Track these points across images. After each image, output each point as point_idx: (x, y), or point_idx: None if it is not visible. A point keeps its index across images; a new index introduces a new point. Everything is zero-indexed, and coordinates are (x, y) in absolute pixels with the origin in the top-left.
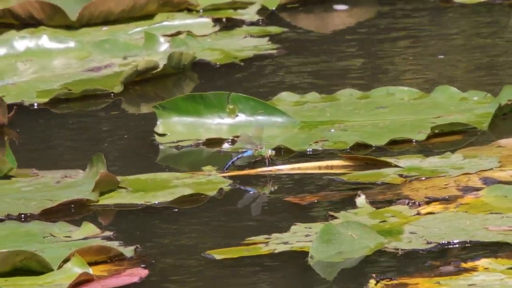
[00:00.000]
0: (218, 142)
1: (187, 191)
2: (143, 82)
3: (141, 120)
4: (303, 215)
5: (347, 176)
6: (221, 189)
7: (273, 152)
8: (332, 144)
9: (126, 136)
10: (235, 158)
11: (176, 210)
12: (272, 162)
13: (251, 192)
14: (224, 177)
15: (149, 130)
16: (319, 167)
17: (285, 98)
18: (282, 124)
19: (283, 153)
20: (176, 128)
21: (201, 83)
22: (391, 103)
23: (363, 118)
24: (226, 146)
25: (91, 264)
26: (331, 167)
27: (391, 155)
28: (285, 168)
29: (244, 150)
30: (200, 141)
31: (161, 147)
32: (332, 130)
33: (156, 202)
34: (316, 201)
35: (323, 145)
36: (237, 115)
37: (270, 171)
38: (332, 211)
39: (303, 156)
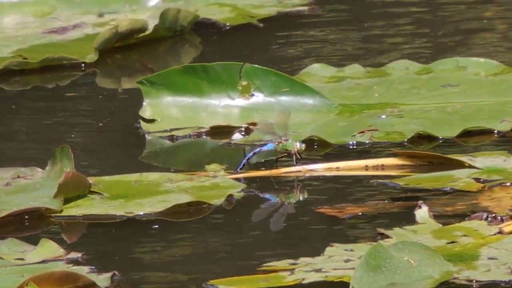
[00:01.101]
0: (227, 131)
1: (184, 199)
2: (126, 48)
3: (122, 101)
4: (342, 233)
5: (404, 179)
6: (231, 196)
7: (303, 145)
8: (384, 135)
9: (101, 124)
10: (250, 154)
11: (169, 224)
12: (301, 160)
13: (272, 201)
14: (236, 179)
15: (132, 114)
16: (366, 167)
17: (318, 72)
18: (314, 107)
19: (316, 148)
20: (169, 111)
21: (204, 51)
22: (462, 80)
23: (424, 100)
24: (237, 136)
25: None
26: (382, 167)
27: (464, 152)
28: (318, 168)
29: (263, 143)
30: (203, 130)
31: (148, 137)
32: (383, 117)
33: (141, 214)
34: (360, 213)
35: (371, 137)
36: (252, 95)
37: (298, 171)
38: (382, 227)
39: (343, 152)
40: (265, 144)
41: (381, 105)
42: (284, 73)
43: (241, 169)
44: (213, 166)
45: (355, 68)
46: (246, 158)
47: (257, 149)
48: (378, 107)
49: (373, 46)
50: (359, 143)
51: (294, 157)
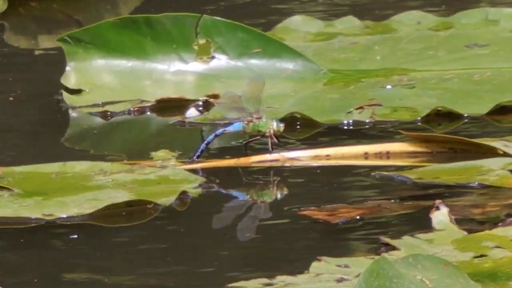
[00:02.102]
0: (178, 106)
1: (122, 197)
2: None
3: (38, 65)
4: (334, 243)
5: (416, 172)
6: (184, 193)
7: (281, 125)
8: (389, 112)
9: (11, 97)
10: (210, 137)
11: (100, 231)
12: (278, 144)
13: (240, 200)
14: (191, 171)
15: (52, 82)
16: (365, 155)
17: (299, 26)
18: (296, 74)
19: (299, 128)
20: (101, 79)
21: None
22: (493, 39)
23: (443, 65)
24: (193, 113)
25: None
26: (387, 155)
27: (496, 135)
28: (302, 156)
29: (227, 122)
30: (146, 104)
31: (73, 113)
32: (388, 87)
33: (64, 216)
34: (358, 217)
35: (372, 115)
36: (213, 57)
37: (275, 160)
38: (386, 235)
39: (335, 135)
40: (230, 124)
41: (385, 71)
42: (255, 28)
43: (198, 157)
44: (162, 153)
45: (349, 22)
46: (205, 142)
47: (220, 130)
48: (381, 74)
49: None
50: (356, 123)
51: (269, 140)
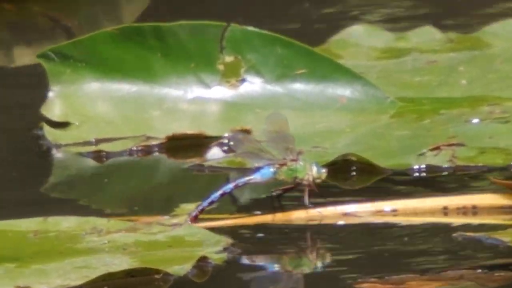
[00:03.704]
0: (196, 144)
1: (121, 264)
2: None
3: (13, 89)
4: None
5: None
6: (204, 259)
7: (323, 171)
8: (475, 154)
9: None
10: (228, 186)
11: None
12: (321, 196)
13: (276, 268)
14: (206, 229)
15: (31, 112)
16: (444, 210)
17: (361, 38)
18: (353, 103)
19: (355, 175)
20: (95, 108)
21: (159, 0)
22: None
23: None
24: (215, 154)
25: None
26: (473, 210)
27: None
28: (361, 211)
29: (258, 166)
30: (154, 143)
31: (57, 154)
32: (475, 121)
33: None
34: None
35: (452, 158)
36: (243, 80)
37: (319, 216)
38: None
39: (402, 184)
40: (256, 169)
41: (472, 100)
42: (301, 42)
43: (200, 212)
44: (189, 207)
45: (427, 34)
46: (219, 193)
47: (243, 179)
48: (466, 104)
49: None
50: (430, 168)
51: (306, 190)
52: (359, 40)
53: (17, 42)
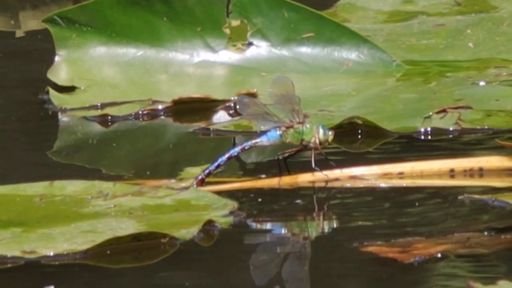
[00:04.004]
0: (202, 108)
1: (128, 228)
2: None
3: (19, 54)
4: None
5: None
6: (210, 223)
7: (330, 133)
8: (481, 117)
9: None
10: (235, 150)
11: (99, 275)
12: (325, 158)
13: (283, 232)
14: (213, 192)
15: (37, 76)
16: (451, 173)
17: (368, 2)
18: (360, 66)
19: (361, 138)
20: (101, 72)
21: None
22: None
23: None
24: (222, 118)
25: None
26: (480, 172)
27: None
28: (366, 174)
29: (266, 128)
30: (160, 106)
31: (63, 118)
32: (481, 84)
33: (51, 254)
34: (439, 255)
35: (458, 120)
36: (250, 43)
37: (326, 178)
38: (477, 279)
39: (409, 147)
40: (262, 133)
41: (479, 62)
42: (307, 5)
43: (207, 175)
44: (195, 171)
45: None
46: (226, 156)
47: (249, 142)
48: (473, 66)
49: None
50: (436, 131)
51: (313, 153)
52: (366, 3)
53: (23, 6)
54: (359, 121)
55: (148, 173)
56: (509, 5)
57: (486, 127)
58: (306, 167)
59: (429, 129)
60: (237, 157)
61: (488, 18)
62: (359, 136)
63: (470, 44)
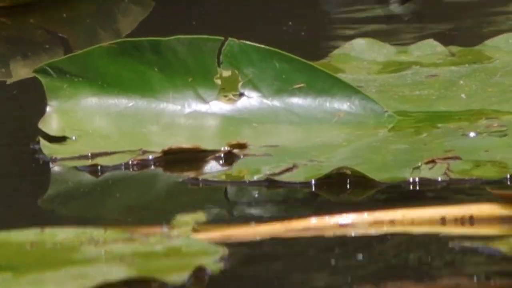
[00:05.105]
0: (192, 158)
1: (119, 273)
2: (21, 8)
3: (9, 103)
4: None
5: (509, 243)
6: (201, 269)
7: None
8: (470, 168)
9: None
10: None
11: None
12: (321, 208)
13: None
14: (204, 239)
15: (28, 126)
16: (441, 221)
17: (363, 52)
18: (352, 117)
19: (349, 189)
20: (92, 122)
21: (156, 13)
22: None
23: None
24: (213, 167)
25: None
26: (471, 220)
27: None
28: (358, 222)
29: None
30: (151, 156)
31: (54, 167)
32: (471, 135)
33: None
34: None
35: (446, 171)
36: (241, 94)
37: (316, 227)
38: None
39: (395, 198)
40: None
41: (471, 114)
42: (298, 57)
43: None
44: (185, 219)
45: (428, 47)
46: None
47: None
48: (464, 117)
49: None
50: (424, 182)
51: None
52: (360, 53)
53: (14, 55)
54: (348, 172)
55: (136, 220)
56: (503, 55)
57: (474, 177)
58: (297, 215)
59: (417, 179)
60: (228, 204)
61: (481, 68)
62: (348, 186)
63: (463, 95)
